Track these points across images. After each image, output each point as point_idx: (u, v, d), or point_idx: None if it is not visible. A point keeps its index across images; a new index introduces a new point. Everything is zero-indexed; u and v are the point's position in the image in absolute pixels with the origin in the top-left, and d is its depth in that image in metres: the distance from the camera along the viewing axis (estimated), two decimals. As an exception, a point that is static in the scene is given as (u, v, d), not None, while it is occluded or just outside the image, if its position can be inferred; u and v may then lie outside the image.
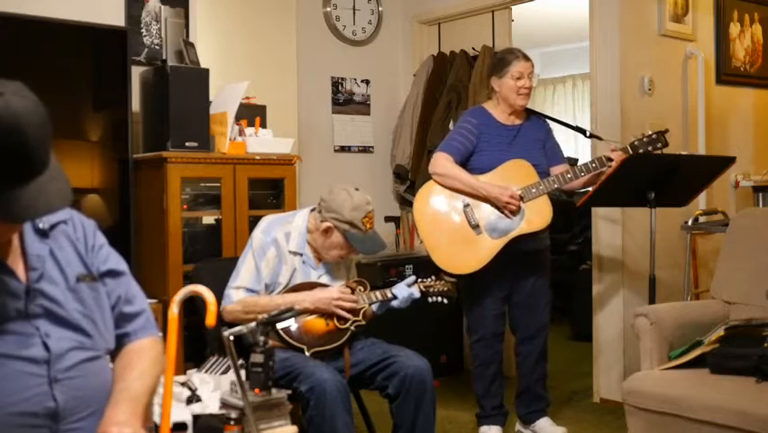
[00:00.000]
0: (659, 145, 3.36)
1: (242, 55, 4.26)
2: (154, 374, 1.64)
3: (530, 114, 3.62)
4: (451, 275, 3.50)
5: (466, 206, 3.40)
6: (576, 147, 7.73)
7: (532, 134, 3.54)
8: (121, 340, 1.66)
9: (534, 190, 3.36)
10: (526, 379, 3.62)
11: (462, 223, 3.40)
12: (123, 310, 1.65)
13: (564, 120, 3.96)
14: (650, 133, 3.39)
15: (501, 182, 3.38)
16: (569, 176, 3.38)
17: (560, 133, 3.85)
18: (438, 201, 3.44)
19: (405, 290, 2.96)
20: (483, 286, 3.48)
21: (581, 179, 3.40)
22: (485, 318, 3.52)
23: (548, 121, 3.69)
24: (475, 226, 3.38)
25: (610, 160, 3.32)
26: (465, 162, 3.47)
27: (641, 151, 3.34)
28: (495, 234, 3.37)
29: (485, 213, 3.39)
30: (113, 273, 1.65)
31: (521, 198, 3.35)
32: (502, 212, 3.36)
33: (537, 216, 3.37)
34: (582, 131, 3.72)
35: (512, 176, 3.40)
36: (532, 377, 3.61)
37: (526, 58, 3.48)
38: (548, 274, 3.63)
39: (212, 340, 2.84)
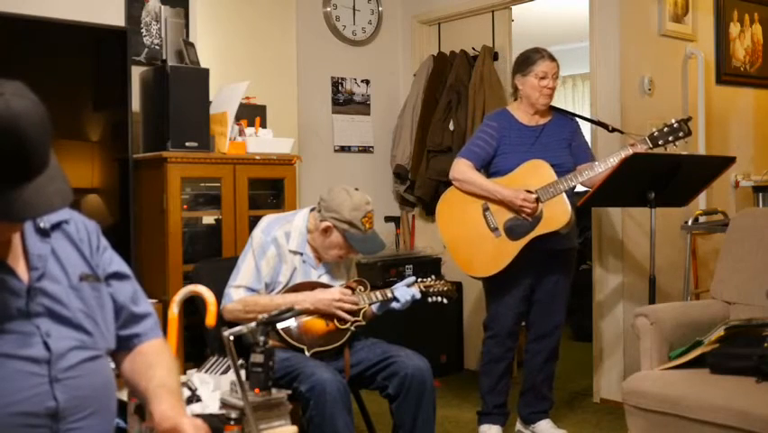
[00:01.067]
0: (681, 135, 3.30)
1: (242, 55, 4.26)
2: (177, 372, 1.69)
3: (556, 112, 3.60)
4: (475, 277, 3.52)
5: (485, 209, 3.42)
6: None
7: (556, 134, 3.52)
8: (131, 341, 1.67)
9: (551, 190, 3.34)
10: (532, 378, 3.62)
11: (482, 226, 3.42)
12: (133, 311, 1.66)
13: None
14: (672, 122, 3.33)
15: (518, 184, 3.37)
16: (586, 172, 3.34)
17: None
18: (459, 206, 3.47)
19: (406, 292, 2.95)
20: (506, 284, 3.48)
21: (601, 175, 3.31)
22: (504, 316, 3.52)
23: (576, 119, 3.66)
24: (494, 229, 3.39)
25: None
26: (488, 166, 3.48)
27: (661, 142, 3.30)
28: (513, 237, 3.36)
29: (503, 215, 3.39)
30: (119, 276, 1.65)
31: (538, 199, 3.33)
32: (519, 214, 3.36)
33: (555, 215, 3.35)
34: (605, 125, 3.69)
35: (529, 177, 3.38)
36: (538, 376, 3.61)
37: (552, 58, 3.48)
38: (571, 275, 3.62)
39: (212, 340, 2.84)
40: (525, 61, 3.48)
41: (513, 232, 3.37)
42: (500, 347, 3.55)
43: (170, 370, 1.65)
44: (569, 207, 3.37)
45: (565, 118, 3.62)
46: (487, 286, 3.62)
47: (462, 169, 3.45)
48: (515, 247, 3.35)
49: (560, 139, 3.52)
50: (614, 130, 3.65)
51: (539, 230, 3.34)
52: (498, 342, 3.55)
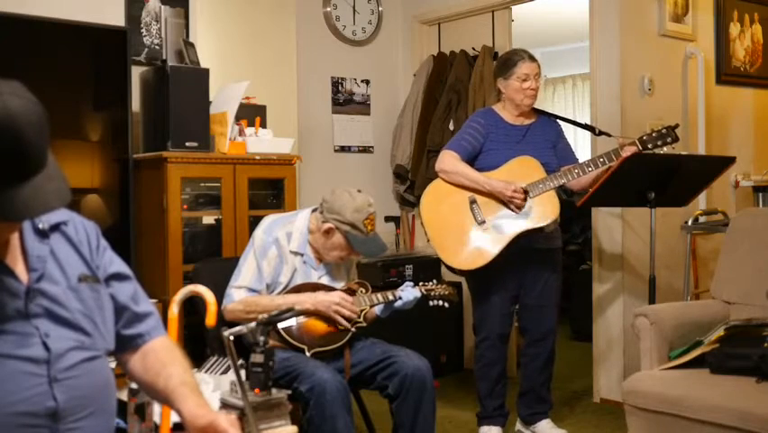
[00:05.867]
0: (669, 140, 3.33)
1: (242, 55, 4.26)
2: (191, 369, 1.68)
3: (540, 114, 3.61)
4: (459, 271, 3.50)
5: (472, 202, 3.39)
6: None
7: (541, 134, 3.53)
8: (135, 340, 1.67)
9: (540, 186, 3.34)
10: (531, 381, 3.61)
11: (469, 219, 3.39)
12: (135, 310, 1.66)
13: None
14: (660, 128, 3.36)
15: (508, 178, 3.36)
16: (576, 171, 3.35)
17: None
18: (445, 198, 3.44)
19: (409, 293, 2.96)
20: (492, 285, 3.46)
21: (590, 175, 3.34)
22: (492, 318, 3.51)
23: (559, 121, 3.67)
24: (481, 222, 3.37)
25: (620, 155, 3.28)
26: (472, 162, 3.46)
27: (650, 146, 3.31)
28: (500, 231, 3.35)
29: (491, 209, 3.37)
30: (119, 276, 1.65)
31: (527, 193, 3.32)
32: (508, 207, 3.35)
33: (543, 211, 3.35)
34: (592, 128, 3.69)
35: (519, 172, 3.38)
36: (538, 380, 3.60)
37: (532, 58, 3.46)
38: (559, 275, 3.61)
39: (212, 340, 2.84)
40: (506, 64, 3.48)
41: (500, 226, 3.36)
42: (493, 350, 3.54)
43: (186, 367, 1.65)
44: (558, 204, 3.37)
45: (549, 120, 3.62)
46: (472, 288, 3.60)
47: (450, 160, 3.43)
48: (502, 241, 3.34)
49: (545, 139, 3.52)
50: (601, 133, 3.64)
51: (527, 224, 3.34)
52: (490, 345, 3.54)
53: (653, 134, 3.34)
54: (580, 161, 3.56)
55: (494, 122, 3.49)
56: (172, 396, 1.58)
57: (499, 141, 3.46)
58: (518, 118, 3.52)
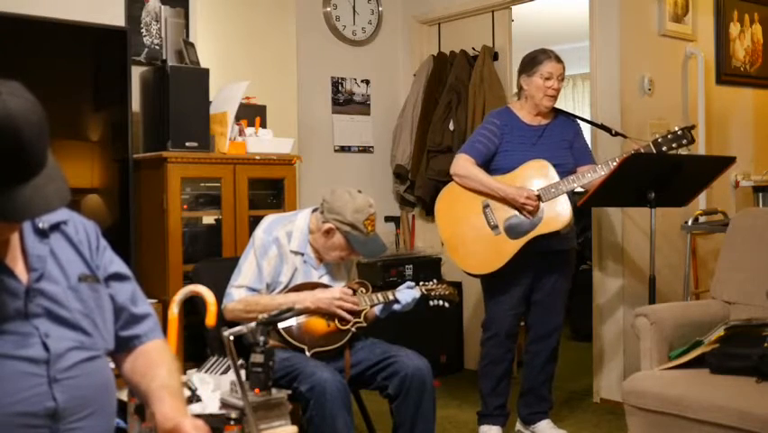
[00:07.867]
0: (684, 142, 3.31)
1: (242, 55, 4.26)
2: (178, 373, 1.70)
3: (558, 113, 3.60)
4: (471, 275, 3.51)
5: (485, 206, 3.41)
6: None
7: (558, 134, 3.52)
8: (131, 342, 1.67)
9: (552, 190, 3.34)
10: (532, 379, 3.61)
11: (482, 223, 3.40)
12: (133, 312, 1.66)
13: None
14: (675, 129, 3.34)
15: (521, 182, 3.37)
16: (589, 174, 3.35)
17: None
18: (459, 202, 3.46)
19: (408, 294, 2.95)
20: (504, 284, 3.47)
21: (602, 178, 3.32)
22: (502, 317, 3.52)
23: (578, 121, 3.67)
24: (494, 227, 3.38)
25: None
26: (488, 163, 3.47)
27: (664, 148, 3.30)
28: (513, 235, 3.36)
29: (504, 214, 3.39)
30: (118, 277, 1.65)
31: (539, 198, 3.33)
32: (521, 212, 3.36)
33: (556, 216, 3.35)
34: (608, 129, 3.67)
35: (531, 176, 3.39)
36: (539, 378, 3.60)
37: (558, 59, 3.46)
38: (570, 275, 3.62)
39: (212, 340, 2.84)
40: (532, 61, 3.48)
41: (513, 230, 3.37)
42: (500, 348, 3.55)
43: (172, 371, 1.66)
44: (570, 208, 3.38)
45: (567, 119, 3.62)
46: (485, 286, 3.61)
47: (464, 164, 3.44)
48: (514, 246, 3.35)
49: (561, 140, 3.52)
50: (617, 134, 3.63)
51: (540, 230, 3.35)
52: (497, 343, 3.54)
53: (669, 136, 3.32)
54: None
55: (510, 122, 3.49)
56: (151, 398, 1.59)
57: (515, 142, 3.46)
58: (536, 118, 3.51)
